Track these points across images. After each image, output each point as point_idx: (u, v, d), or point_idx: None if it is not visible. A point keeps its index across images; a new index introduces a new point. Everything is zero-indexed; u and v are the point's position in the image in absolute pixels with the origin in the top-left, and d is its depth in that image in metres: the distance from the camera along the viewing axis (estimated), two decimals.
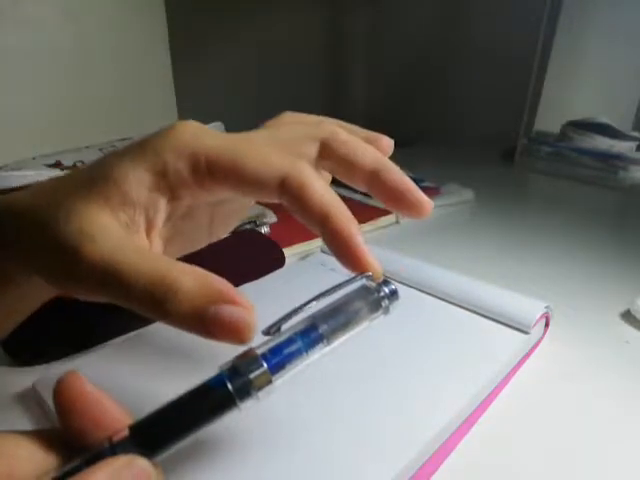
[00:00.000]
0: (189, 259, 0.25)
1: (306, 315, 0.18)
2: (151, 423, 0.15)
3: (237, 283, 0.38)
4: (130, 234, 0.18)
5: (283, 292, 0.36)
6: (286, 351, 0.17)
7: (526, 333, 0.31)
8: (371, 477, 0.21)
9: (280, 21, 0.94)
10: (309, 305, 0.18)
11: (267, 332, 0.17)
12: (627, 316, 0.37)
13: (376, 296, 0.19)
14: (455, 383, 0.27)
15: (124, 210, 0.18)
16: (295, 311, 0.18)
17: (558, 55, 0.78)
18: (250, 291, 0.36)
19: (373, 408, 0.25)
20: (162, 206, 0.19)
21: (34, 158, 0.51)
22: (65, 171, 0.49)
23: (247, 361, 0.16)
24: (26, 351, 0.30)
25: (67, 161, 0.50)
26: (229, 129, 0.63)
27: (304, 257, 0.44)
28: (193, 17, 0.83)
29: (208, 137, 0.19)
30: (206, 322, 0.15)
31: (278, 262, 0.42)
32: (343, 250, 0.19)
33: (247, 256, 0.42)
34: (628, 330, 0.35)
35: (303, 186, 0.19)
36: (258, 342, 0.17)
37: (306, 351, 0.17)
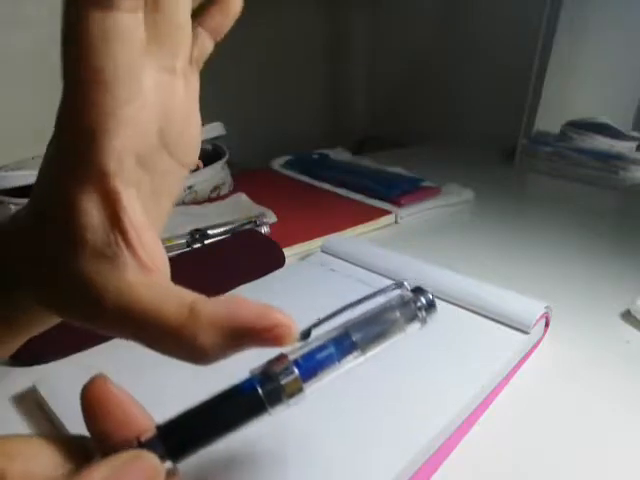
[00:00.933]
0: (190, 260, 0.25)
1: (337, 324, 0.18)
2: (180, 424, 0.15)
3: (237, 283, 0.38)
4: None
5: (283, 292, 0.36)
6: (319, 357, 0.16)
7: (526, 333, 0.31)
8: (371, 477, 0.21)
9: (280, 21, 0.94)
10: (341, 313, 0.18)
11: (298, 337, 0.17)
12: (627, 316, 0.37)
13: (413, 306, 0.18)
14: (455, 383, 0.27)
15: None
16: (327, 318, 0.18)
17: (558, 55, 0.78)
18: (250, 291, 0.36)
19: (373, 408, 0.25)
20: None
21: (34, 158, 0.51)
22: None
23: (279, 366, 0.16)
24: (26, 351, 0.30)
25: None
26: (229, 129, 0.63)
27: (304, 257, 0.44)
28: (193, 17, 0.83)
29: None
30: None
31: (278, 262, 0.42)
32: None
33: (247, 256, 0.42)
34: (628, 330, 0.35)
35: None
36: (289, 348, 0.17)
37: (339, 359, 0.17)
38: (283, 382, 0.16)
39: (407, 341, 0.31)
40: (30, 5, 0.64)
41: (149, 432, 0.15)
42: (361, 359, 0.17)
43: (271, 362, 0.16)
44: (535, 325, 0.31)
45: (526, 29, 0.79)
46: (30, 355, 0.30)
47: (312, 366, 0.16)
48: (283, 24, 0.95)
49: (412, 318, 0.18)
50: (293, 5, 0.95)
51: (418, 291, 0.19)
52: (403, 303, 0.18)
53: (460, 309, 0.34)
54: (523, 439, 0.25)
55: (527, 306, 0.32)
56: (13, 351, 0.23)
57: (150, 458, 0.14)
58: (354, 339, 0.17)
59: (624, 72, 0.79)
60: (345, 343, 0.17)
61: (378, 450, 0.23)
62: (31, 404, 0.27)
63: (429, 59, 1.00)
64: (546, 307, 0.33)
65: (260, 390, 0.15)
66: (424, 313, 0.19)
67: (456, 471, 0.23)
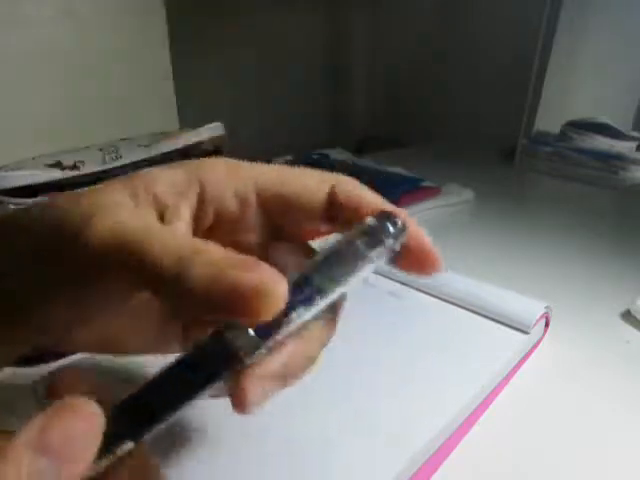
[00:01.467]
0: None
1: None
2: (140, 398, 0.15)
3: None
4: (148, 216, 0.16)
5: None
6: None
7: (526, 333, 0.31)
8: (371, 477, 0.21)
9: (280, 21, 0.94)
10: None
11: None
12: (627, 316, 0.37)
13: (378, 234, 0.17)
14: (455, 383, 0.27)
15: (149, 205, 0.17)
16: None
17: (558, 55, 0.78)
18: None
19: (373, 408, 0.25)
20: (186, 214, 0.17)
21: (34, 158, 0.51)
22: (65, 171, 0.49)
23: (231, 329, 0.14)
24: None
25: (67, 161, 0.50)
26: (229, 129, 0.63)
27: None
28: (193, 17, 0.83)
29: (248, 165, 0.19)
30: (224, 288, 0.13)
31: None
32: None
33: None
34: (628, 330, 0.35)
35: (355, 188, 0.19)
36: None
37: (295, 309, 0.15)
38: (238, 344, 0.14)
39: (407, 341, 0.31)
40: (30, 5, 0.64)
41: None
42: (322, 303, 0.15)
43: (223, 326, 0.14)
44: (535, 325, 0.31)
45: (526, 29, 0.79)
46: (30, 355, 0.30)
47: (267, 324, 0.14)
48: (283, 24, 0.95)
49: (376, 244, 0.16)
50: (293, 5, 0.95)
51: (381, 216, 0.17)
52: (365, 232, 0.17)
53: (460, 309, 0.34)
54: (523, 439, 0.25)
55: (527, 306, 0.32)
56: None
57: (84, 403, 0.12)
58: (315, 283, 0.15)
59: (624, 72, 0.79)
60: (305, 290, 0.15)
61: (378, 450, 0.23)
62: (31, 404, 0.27)
63: (429, 59, 1.00)
64: (546, 307, 0.33)
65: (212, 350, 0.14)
66: (391, 240, 0.17)
67: (456, 471, 0.23)
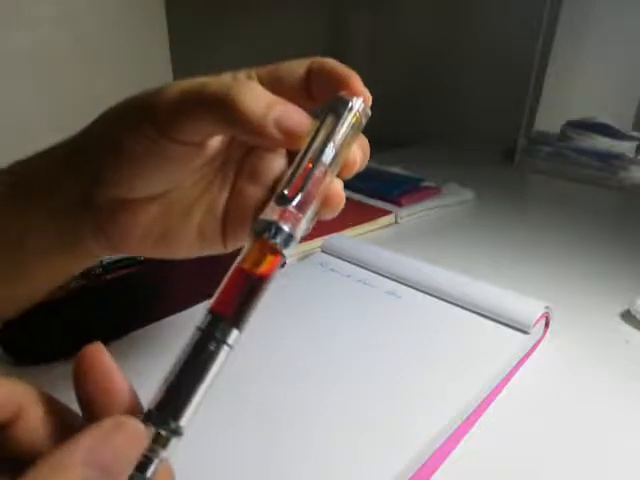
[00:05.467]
0: (194, 260, 0.26)
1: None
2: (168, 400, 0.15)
3: None
4: None
5: (283, 292, 0.36)
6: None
7: (526, 333, 0.31)
8: (371, 477, 0.21)
9: (280, 21, 0.94)
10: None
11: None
12: (627, 316, 0.37)
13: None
14: (455, 383, 0.27)
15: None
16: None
17: (558, 55, 0.78)
18: None
19: (373, 408, 0.25)
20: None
21: None
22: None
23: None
24: (26, 351, 0.30)
25: None
26: None
27: (304, 257, 0.44)
28: (193, 17, 0.83)
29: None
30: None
31: None
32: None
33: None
34: (628, 330, 0.35)
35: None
36: None
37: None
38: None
39: (407, 341, 0.31)
40: (30, 5, 0.64)
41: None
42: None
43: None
44: (535, 325, 0.31)
45: (526, 29, 0.79)
46: (30, 355, 0.30)
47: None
48: (283, 24, 0.95)
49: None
50: (293, 5, 0.95)
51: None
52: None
53: (460, 309, 0.34)
54: (523, 439, 0.25)
55: (527, 306, 0.32)
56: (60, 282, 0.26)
57: (133, 423, 0.14)
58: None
59: (624, 72, 0.79)
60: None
61: (378, 450, 0.23)
62: None
63: (429, 59, 1.00)
64: (546, 307, 0.33)
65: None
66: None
67: (456, 471, 0.23)
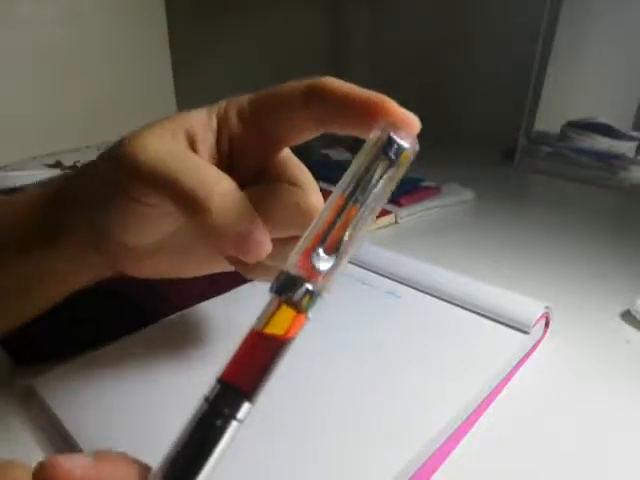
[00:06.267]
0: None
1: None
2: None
3: (237, 283, 0.37)
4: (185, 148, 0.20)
5: None
6: None
7: (526, 333, 0.31)
8: (371, 477, 0.21)
9: (280, 21, 0.94)
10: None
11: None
12: (627, 316, 0.37)
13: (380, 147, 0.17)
14: (455, 383, 0.27)
15: (184, 136, 0.21)
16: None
17: (558, 55, 0.78)
18: (248, 292, 0.36)
19: (373, 408, 0.25)
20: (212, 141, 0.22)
21: (34, 158, 0.51)
22: (65, 171, 0.49)
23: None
24: (26, 351, 0.30)
25: (67, 161, 0.50)
26: None
27: None
28: (193, 17, 0.83)
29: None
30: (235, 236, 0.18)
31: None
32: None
33: None
34: (628, 330, 0.35)
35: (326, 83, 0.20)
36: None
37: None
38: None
39: (407, 341, 0.31)
40: (30, 5, 0.64)
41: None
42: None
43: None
44: (535, 325, 0.31)
45: (526, 29, 0.79)
46: (30, 355, 0.30)
47: None
48: (283, 24, 0.95)
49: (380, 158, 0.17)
50: (293, 5, 0.95)
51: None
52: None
53: (460, 309, 0.34)
54: (523, 439, 0.25)
55: (527, 306, 0.32)
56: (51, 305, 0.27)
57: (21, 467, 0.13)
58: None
59: (624, 72, 0.79)
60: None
61: (378, 450, 0.23)
62: (31, 404, 0.27)
63: (429, 59, 1.00)
64: (546, 307, 0.33)
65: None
66: (391, 151, 0.16)
67: (456, 471, 0.23)
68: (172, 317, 0.33)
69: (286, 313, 0.15)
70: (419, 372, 0.28)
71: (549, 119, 0.83)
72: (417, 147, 0.17)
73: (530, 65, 0.77)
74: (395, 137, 0.17)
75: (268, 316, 0.15)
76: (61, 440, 0.25)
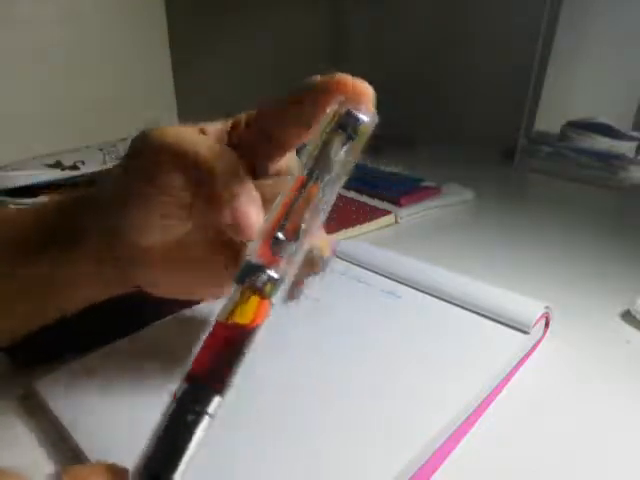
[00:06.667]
0: None
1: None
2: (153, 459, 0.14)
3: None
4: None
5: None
6: None
7: (526, 333, 0.31)
8: (371, 477, 0.21)
9: (280, 21, 0.94)
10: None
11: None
12: (627, 316, 0.37)
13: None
14: (455, 383, 0.27)
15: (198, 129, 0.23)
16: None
17: (558, 55, 0.78)
18: None
19: (373, 408, 0.25)
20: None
21: (34, 158, 0.51)
22: (65, 171, 0.49)
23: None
24: (27, 352, 0.30)
25: (67, 161, 0.50)
26: None
27: None
28: (193, 17, 0.83)
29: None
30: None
31: None
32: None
33: None
34: (628, 330, 0.35)
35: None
36: None
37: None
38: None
39: (407, 341, 0.31)
40: (30, 5, 0.64)
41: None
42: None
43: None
44: (535, 325, 0.31)
45: (526, 29, 0.79)
46: (30, 356, 0.30)
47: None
48: (283, 24, 0.95)
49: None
50: (293, 5, 0.95)
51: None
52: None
53: (460, 309, 0.34)
54: (523, 439, 0.25)
55: (527, 306, 0.32)
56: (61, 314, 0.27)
57: None
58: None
59: (624, 72, 0.79)
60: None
61: (378, 450, 0.23)
62: (31, 404, 0.27)
63: (429, 59, 1.00)
64: (546, 307, 0.33)
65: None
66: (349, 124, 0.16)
67: (456, 471, 0.23)
68: (173, 318, 0.33)
69: (250, 301, 0.15)
70: (419, 372, 0.28)
71: (549, 119, 0.83)
72: (376, 118, 0.17)
73: (530, 65, 0.77)
74: (352, 110, 0.17)
75: (232, 306, 0.15)
76: (61, 441, 0.25)
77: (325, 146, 0.16)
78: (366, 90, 0.19)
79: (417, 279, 0.37)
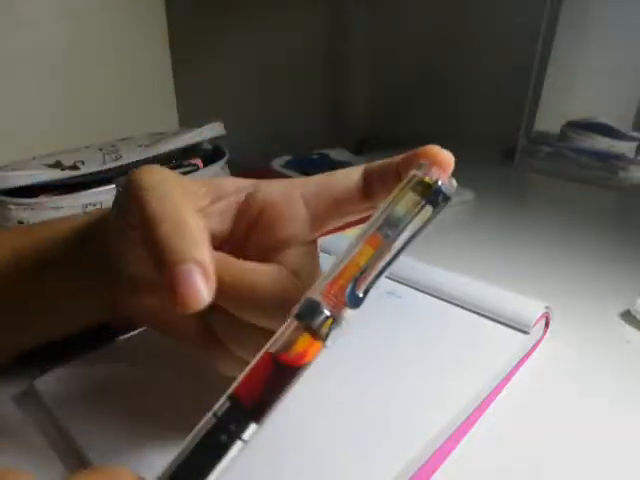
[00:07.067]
0: None
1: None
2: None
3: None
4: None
5: None
6: None
7: (526, 333, 0.31)
8: (371, 477, 0.21)
9: (280, 21, 0.94)
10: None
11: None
12: (627, 316, 0.37)
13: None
14: (455, 383, 0.27)
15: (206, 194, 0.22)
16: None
17: (558, 55, 0.78)
18: None
19: (373, 408, 0.25)
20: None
21: (34, 158, 0.51)
22: (65, 171, 0.49)
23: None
24: (26, 351, 0.30)
25: (67, 161, 0.50)
26: (229, 129, 0.63)
27: None
28: (193, 17, 0.83)
29: None
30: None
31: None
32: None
33: None
34: (628, 330, 0.35)
35: None
36: None
37: None
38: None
39: (407, 341, 0.31)
40: (30, 5, 0.64)
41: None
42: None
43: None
44: (535, 325, 0.31)
45: (526, 29, 0.79)
46: (31, 355, 0.30)
47: None
48: (283, 24, 0.95)
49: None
50: (293, 5, 0.95)
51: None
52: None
53: (460, 309, 0.34)
54: (523, 439, 0.25)
55: (527, 306, 0.32)
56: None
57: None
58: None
59: (624, 72, 0.79)
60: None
61: (378, 450, 0.23)
62: (31, 404, 0.27)
63: (429, 59, 1.00)
64: (546, 307, 0.33)
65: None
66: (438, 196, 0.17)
67: (456, 471, 0.23)
68: None
69: (303, 339, 0.15)
70: (419, 372, 0.28)
71: (549, 119, 0.83)
72: (455, 190, 0.18)
73: (530, 65, 0.77)
74: (441, 185, 0.17)
75: (286, 340, 0.15)
76: (61, 441, 0.25)
77: (407, 212, 0.17)
78: (451, 161, 0.18)
79: (417, 279, 0.37)
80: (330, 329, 0.15)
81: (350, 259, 0.16)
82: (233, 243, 0.23)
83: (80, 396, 0.26)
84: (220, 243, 0.23)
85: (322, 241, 0.45)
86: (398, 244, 0.17)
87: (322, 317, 0.15)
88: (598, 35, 0.79)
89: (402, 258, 0.42)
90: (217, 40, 0.85)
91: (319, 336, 0.15)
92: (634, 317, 0.36)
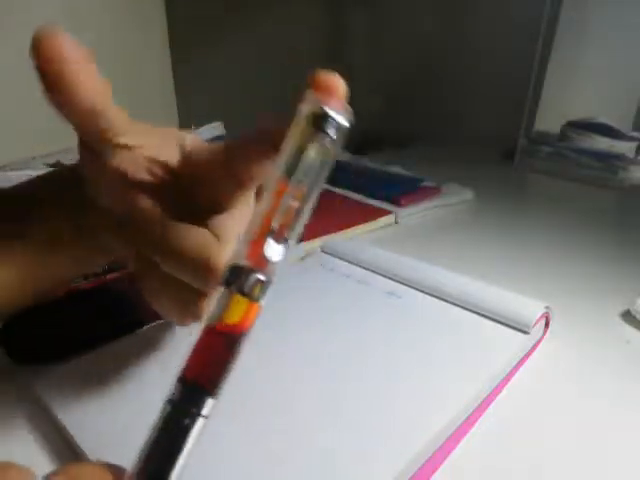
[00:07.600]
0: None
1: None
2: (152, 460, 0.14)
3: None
4: None
5: (283, 292, 0.36)
6: None
7: (526, 333, 0.31)
8: (371, 477, 0.21)
9: (280, 21, 0.94)
10: None
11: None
12: (627, 316, 0.37)
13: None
14: (455, 383, 0.27)
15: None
16: None
17: (558, 55, 0.78)
18: None
19: (373, 408, 0.25)
20: None
21: (34, 158, 0.51)
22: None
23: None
24: (25, 351, 0.30)
25: (67, 161, 0.50)
26: (229, 129, 0.63)
27: (304, 257, 0.44)
28: (193, 17, 0.83)
29: None
30: None
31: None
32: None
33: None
34: (628, 330, 0.35)
35: None
36: None
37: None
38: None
39: (407, 341, 0.31)
40: (30, 5, 0.64)
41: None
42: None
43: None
44: (535, 325, 0.31)
45: (526, 29, 0.79)
46: (29, 355, 0.30)
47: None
48: (283, 24, 0.95)
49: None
50: (293, 4, 0.95)
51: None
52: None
53: (460, 309, 0.34)
54: (523, 439, 0.25)
55: (527, 306, 0.32)
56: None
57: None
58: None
59: (624, 72, 0.79)
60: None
61: (378, 450, 0.23)
62: (30, 403, 0.27)
63: (429, 59, 1.00)
64: (546, 307, 0.33)
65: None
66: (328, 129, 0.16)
67: (456, 471, 0.23)
68: None
69: (239, 304, 0.15)
70: (419, 372, 0.28)
71: (549, 119, 0.83)
72: (351, 114, 0.17)
73: (530, 65, 0.77)
74: (331, 113, 0.16)
75: (221, 309, 0.15)
76: (61, 440, 0.25)
77: (302, 148, 0.16)
78: (338, 84, 0.17)
79: (417, 279, 0.37)
80: (261, 289, 0.15)
81: (263, 214, 0.15)
82: (177, 191, 0.23)
83: (80, 396, 0.26)
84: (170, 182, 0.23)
85: (327, 243, 0.45)
86: (306, 182, 0.16)
87: (251, 279, 0.15)
88: (598, 35, 0.79)
89: (402, 258, 0.42)
90: (217, 40, 0.85)
91: (252, 298, 0.15)
92: (634, 317, 0.36)
